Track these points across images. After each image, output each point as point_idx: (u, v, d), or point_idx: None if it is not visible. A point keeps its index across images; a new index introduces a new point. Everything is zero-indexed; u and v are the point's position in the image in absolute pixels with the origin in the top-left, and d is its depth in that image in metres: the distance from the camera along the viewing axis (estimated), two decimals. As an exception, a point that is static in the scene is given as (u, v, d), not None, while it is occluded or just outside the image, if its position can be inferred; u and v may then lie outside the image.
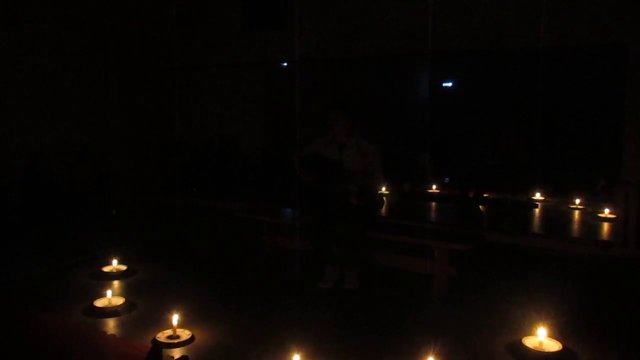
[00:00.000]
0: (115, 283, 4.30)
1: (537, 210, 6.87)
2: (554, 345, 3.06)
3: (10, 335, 3.25)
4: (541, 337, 3.09)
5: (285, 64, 8.46)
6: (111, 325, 3.47)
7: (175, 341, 3.16)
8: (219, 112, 8.68)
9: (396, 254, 4.34)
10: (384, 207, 6.97)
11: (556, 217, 6.61)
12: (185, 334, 3.23)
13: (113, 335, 3.21)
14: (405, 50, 6.86)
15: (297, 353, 2.82)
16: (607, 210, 6.22)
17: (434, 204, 7.58)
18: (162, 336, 3.21)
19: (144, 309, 3.73)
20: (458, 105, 8.63)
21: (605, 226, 5.98)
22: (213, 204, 7.68)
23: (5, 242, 5.61)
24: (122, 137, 8.18)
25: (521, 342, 3.12)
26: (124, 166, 7.89)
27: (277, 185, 7.49)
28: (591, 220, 6.27)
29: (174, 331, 3.22)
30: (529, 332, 3.20)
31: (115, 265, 4.55)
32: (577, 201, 6.87)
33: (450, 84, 9.20)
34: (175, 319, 3.25)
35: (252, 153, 8.54)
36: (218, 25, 8.28)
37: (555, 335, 3.17)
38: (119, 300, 3.76)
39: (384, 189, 7.21)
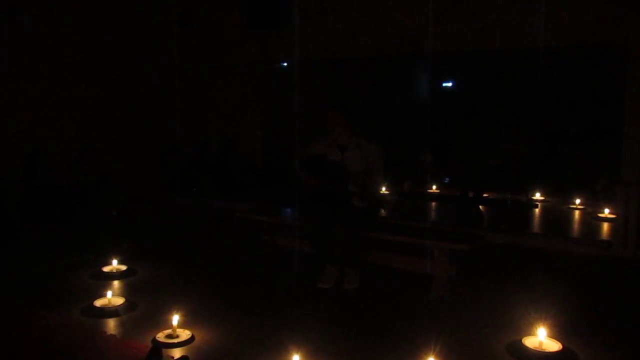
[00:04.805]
0: (115, 283, 4.30)
1: (537, 210, 6.87)
2: (554, 345, 3.06)
3: (11, 335, 3.25)
4: (541, 337, 3.09)
5: (285, 64, 8.46)
6: (111, 325, 3.46)
7: (175, 341, 3.16)
8: (219, 112, 8.69)
9: (396, 254, 4.33)
10: (387, 207, 6.99)
11: (556, 217, 6.61)
12: (185, 334, 3.23)
13: (113, 335, 3.22)
14: (405, 50, 6.86)
15: (297, 353, 2.82)
16: (607, 210, 6.22)
17: (434, 204, 7.59)
18: (162, 336, 3.21)
19: (144, 309, 3.73)
20: (458, 105, 8.64)
21: (605, 226, 5.99)
22: (213, 204, 7.69)
23: (5, 241, 5.61)
24: (122, 137, 8.18)
25: (521, 342, 3.12)
26: (124, 166, 7.89)
27: (277, 185, 7.50)
28: (591, 220, 6.27)
29: (174, 331, 3.22)
30: (529, 332, 3.20)
31: (115, 265, 4.55)
32: (577, 201, 6.87)
33: (450, 84, 9.20)
34: (175, 319, 3.25)
35: (252, 153, 8.55)
36: (218, 25, 8.28)
37: (555, 335, 3.17)
38: (119, 300, 3.76)
39: (384, 189, 7.21)
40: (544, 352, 3.03)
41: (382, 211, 6.71)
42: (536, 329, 3.13)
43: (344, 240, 4.09)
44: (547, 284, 4.24)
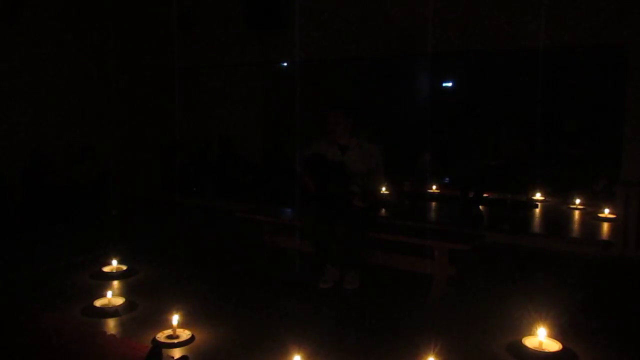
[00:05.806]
0: (115, 283, 4.30)
1: (537, 210, 6.86)
2: (554, 345, 3.07)
3: (11, 335, 3.25)
4: (541, 337, 3.10)
5: (285, 64, 8.45)
6: (111, 325, 3.47)
7: (175, 341, 3.16)
8: (219, 112, 8.68)
9: (396, 254, 4.33)
10: (389, 207, 6.99)
11: (556, 217, 6.61)
12: (185, 334, 3.23)
13: (113, 335, 3.21)
14: (405, 50, 6.86)
15: (297, 353, 2.82)
16: (607, 210, 6.22)
17: (434, 204, 7.58)
18: (162, 336, 3.21)
19: (144, 309, 3.73)
20: (458, 105, 8.63)
21: (605, 226, 5.98)
22: (213, 204, 7.68)
23: (6, 241, 5.60)
24: (122, 137, 8.18)
25: (521, 342, 3.12)
26: (124, 166, 7.89)
27: (277, 185, 7.49)
28: (591, 220, 6.27)
29: (174, 331, 3.22)
30: (529, 332, 3.20)
31: (115, 265, 4.55)
32: (577, 201, 6.87)
33: (450, 84, 9.19)
34: (175, 319, 3.26)
35: (252, 153, 8.54)
36: (218, 25, 8.28)
37: (555, 335, 3.17)
38: (119, 300, 3.76)
39: (384, 189, 7.21)
40: (544, 352, 3.03)
41: (383, 211, 6.70)
42: (536, 329, 3.14)
43: (344, 240, 4.09)
44: (547, 284, 4.24)
